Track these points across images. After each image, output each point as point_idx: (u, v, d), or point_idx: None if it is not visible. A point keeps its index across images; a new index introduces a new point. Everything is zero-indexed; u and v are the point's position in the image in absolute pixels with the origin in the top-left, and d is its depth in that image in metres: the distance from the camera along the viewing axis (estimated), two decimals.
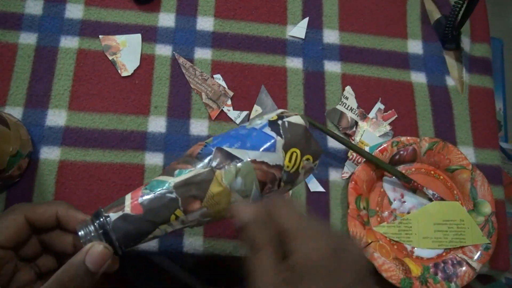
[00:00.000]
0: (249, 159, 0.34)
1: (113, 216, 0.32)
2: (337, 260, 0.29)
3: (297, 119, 0.36)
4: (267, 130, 0.35)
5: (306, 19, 0.61)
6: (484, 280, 0.55)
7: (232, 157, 0.34)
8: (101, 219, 0.32)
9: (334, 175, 0.55)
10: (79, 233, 0.32)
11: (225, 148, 0.34)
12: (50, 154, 0.51)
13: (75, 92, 0.54)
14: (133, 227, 0.32)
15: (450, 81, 0.61)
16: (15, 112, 0.52)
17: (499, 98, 1.12)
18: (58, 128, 0.52)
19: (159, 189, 0.33)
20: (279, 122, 0.36)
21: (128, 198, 0.33)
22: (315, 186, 0.54)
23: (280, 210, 0.31)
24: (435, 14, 0.64)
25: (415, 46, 0.62)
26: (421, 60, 0.61)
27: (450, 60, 0.62)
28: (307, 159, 0.35)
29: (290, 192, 0.37)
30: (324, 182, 0.54)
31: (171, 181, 0.33)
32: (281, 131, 0.35)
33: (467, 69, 0.61)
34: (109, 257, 0.31)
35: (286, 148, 0.34)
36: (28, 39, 0.55)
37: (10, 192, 0.50)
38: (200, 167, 0.34)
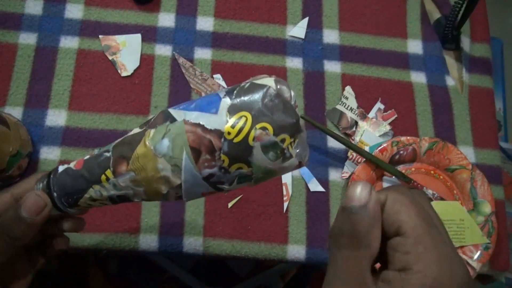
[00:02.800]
0: (182, 119, 0.28)
1: (60, 169, 0.32)
2: None
3: (265, 80, 0.28)
4: (221, 92, 0.28)
5: (306, 19, 0.61)
6: (484, 279, 0.55)
7: (168, 118, 0.29)
8: (52, 172, 0.32)
9: (334, 175, 0.55)
10: (34, 186, 0.32)
11: (170, 110, 0.29)
12: (50, 154, 0.51)
13: (75, 92, 0.54)
14: (69, 180, 0.31)
15: (450, 81, 0.61)
16: (15, 112, 0.52)
17: (499, 98, 1.12)
18: (58, 128, 0.53)
19: (103, 148, 0.31)
20: (242, 84, 0.28)
21: (76, 160, 0.33)
22: (315, 186, 0.54)
23: (404, 205, 0.24)
24: (435, 14, 0.64)
25: (415, 46, 0.62)
26: (421, 60, 0.61)
27: (450, 60, 0.62)
28: (263, 128, 0.26)
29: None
30: (324, 182, 0.54)
31: (117, 141, 0.31)
32: (234, 91, 0.28)
33: (467, 69, 0.61)
34: (41, 204, 0.32)
35: (232, 111, 0.27)
36: (28, 39, 0.55)
37: None
38: (139, 128, 0.30)
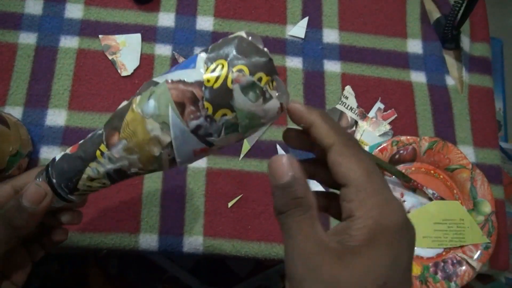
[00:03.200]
0: (164, 80, 0.29)
1: (57, 157, 0.33)
2: (407, 233, 0.25)
3: (237, 33, 0.29)
4: (198, 51, 0.30)
5: (306, 18, 0.61)
6: (484, 279, 0.55)
7: (151, 83, 0.30)
8: (50, 162, 0.33)
9: None
10: (35, 178, 0.33)
11: (153, 78, 0.31)
12: (50, 153, 0.51)
13: (75, 91, 0.54)
14: (66, 164, 0.32)
15: (450, 81, 0.61)
16: (15, 112, 0.52)
17: (499, 98, 1.12)
18: (58, 127, 0.53)
19: (99, 129, 0.33)
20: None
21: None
22: (315, 185, 0.54)
23: (346, 157, 0.26)
24: (434, 14, 0.64)
25: (415, 46, 0.62)
26: (421, 59, 0.61)
27: (449, 60, 0.62)
28: (239, 70, 0.27)
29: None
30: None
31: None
32: (209, 47, 0.29)
33: (467, 69, 0.61)
34: (42, 193, 0.32)
35: (209, 62, 0.28)
36: (28, 39, 0.55)
37: None
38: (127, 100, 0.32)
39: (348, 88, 0.58)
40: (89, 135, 0.33)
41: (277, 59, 0.59)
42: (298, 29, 0.60)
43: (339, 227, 0.26)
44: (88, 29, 0.57)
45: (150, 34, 0.58)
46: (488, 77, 0.61)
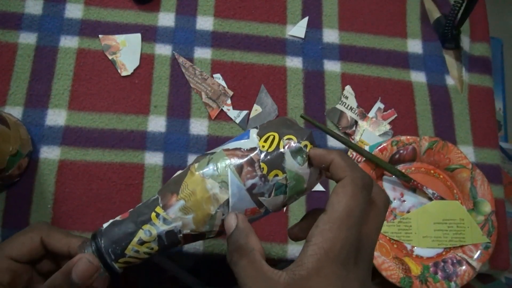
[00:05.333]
0: (221, 148, 0.33)
1: (105, 225, 0.34)
2: (358, 271, 0.27)
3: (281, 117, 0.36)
4: (248, 129, 0.35)
5: (306, 18, 0.61)
6: (484, 279, 0.55)
7: (207, 154, 0.34)
8: (96, 232, 0.33)
9: None
10: (79, 251, 0.33)
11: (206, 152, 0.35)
12: (50, 153, 0.51)
13: (75, 91, 0.54)
14: (117, 228, 0.33)
15: (450, 80, 0.61)
16: (15, 111, 0.52)
17: (499, 98, 1.12)
18: (58, 127, 0.53)
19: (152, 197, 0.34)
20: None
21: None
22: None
23: (344, 192, 0.28)
24: (434, 14, 0.64)
25: (414, 46, 0.62)
26: (420, 59, 0.61)
27: (449, 59, 0.62)
28: (289, 139, 0.32)
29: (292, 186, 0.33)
30: (324, 181, 0.54)
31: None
32: (258, 126, 0.34)
33: (467, 68, 0.61)
34: (93, 267, 0.32)
35: (261, 134, 0.33)
36: (28, 38, 0.55)
37: (10, 191, 0.50)
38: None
39: (348, 88, 0.58)
40: (141, 203, 0.34)
41: (277, 59, 0.59)
42: (298, 29, 0.60)
43: (299, 255, 0.27)
44: (88, 29, 0.57)
45: (150, 34, 0.58)
46: (488, 77, 0.61)
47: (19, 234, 0.36)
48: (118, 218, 0.34)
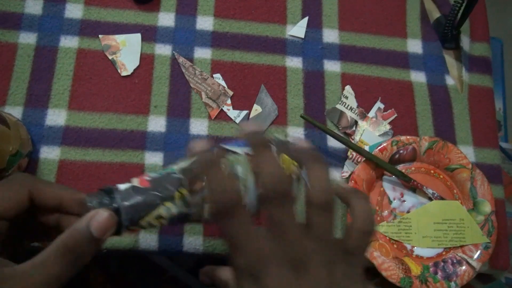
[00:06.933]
0: (243, 153, 0.35)
1: (121, 186, 0.32)
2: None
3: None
4: None
5: (306, 18, 0.61)
6: (484, 279, 0.55)
7: (229, 151, 0.35)
8: (110, 187, 0.32)
9: (334, 174, 0.55)
10: (88, 202, 0.31)
11: (226, 146, 0.36)
12: (49, 153, 0.51)
13: (75, 91, 0.54)
14: (140, 197, 0.32)
15: (450, 80, 0.61)
16: (15, 111, 0.52)
17: (499, 98, 1.12)
18: (58, 127, 0.53)
19: (163, 171, 0.34)
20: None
21: (133, 179, 0.33)
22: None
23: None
24: (434, 14, 0.64)
25: (414, 46, 0.62)
26: (420, 59, 0.61)
27: (449, 59, 0.62)
28: (294, 165, 0.35)
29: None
30: None
31: (175, 166, 0.34)
32: (275, 141, 0.37)
33: (467, 68, 0.61)
34: (113, 224, 0.30)
35: (278, 153, 0.35)
36: (28, 38, 0.55)
37: None
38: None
39: (348, 88, 0.58)
40: (160, 174, 0.34)
41: (277, 59, 0.59)
42: (298, 29, 0.60)
43: None
44: (88, 29, 0.57)
45: (150, 34, 0.58)
46: (488, 77, 0.61)
47: (1, 188, 0.33)
48: (136, 183, 0.33)
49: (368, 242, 0.31)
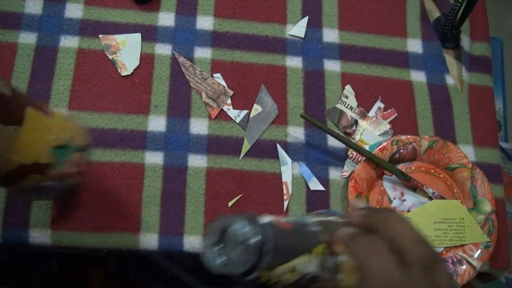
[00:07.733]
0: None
1: (270, 221, 0.27)
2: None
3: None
4: None
5: (306, 18, 0.61)
6: (484, 278, 0.55)
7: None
8: (263, 223, 0.27)
9: (334, 174, 0.55)
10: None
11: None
12: None
13: (75, 91, 0.54)
14: (285, 238, 0.27)
15: (450, 80, 0.61)
16: None
17: (499, 98, 1.12)
18: None
19: (299, 219, 0.30)
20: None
21: (267, 215, 0.29)
22: (315, 184, 0.54)
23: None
24: (434, 13, 0.64)
25: (414, 45, 0.62)
26: (420, 59, 0.61)
27: (449, 59, 0.62)
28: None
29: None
30: (324, 180, 0.54)
31: (309, 218, 0.30)
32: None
33: (467, 68, 0.61)
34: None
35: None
36: (28, 38, 0.55)
37: (9, 191, 0.50)
38: (331, 217, 0.31)
39: (348, 88, 0.58)
40: (302, 220, 0.29)
41: (277, 59, 0.59)
42: (298, 29, 0.60)
43: None
44: (88, 28, 0.57)
45: (150, 34, 0.58)
46: (488, 76, 0.61)
47: None
48: (282, 220, 0.28)
49: (426, 247, 0.28)
